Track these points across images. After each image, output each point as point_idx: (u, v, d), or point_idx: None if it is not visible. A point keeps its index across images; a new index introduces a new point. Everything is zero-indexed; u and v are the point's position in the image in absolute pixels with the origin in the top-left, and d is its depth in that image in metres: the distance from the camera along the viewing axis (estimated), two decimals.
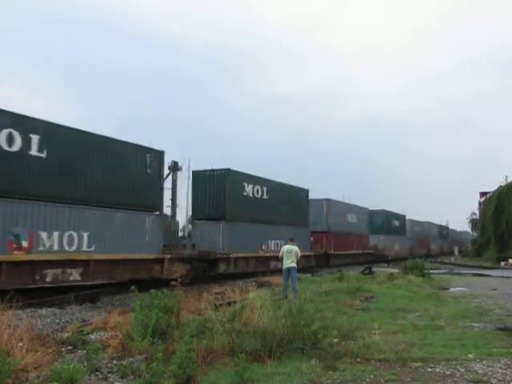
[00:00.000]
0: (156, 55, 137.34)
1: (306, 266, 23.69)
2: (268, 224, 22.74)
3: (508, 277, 22.12)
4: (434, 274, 21.87)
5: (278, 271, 16.01)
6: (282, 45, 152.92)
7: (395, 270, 22.22)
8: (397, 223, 48.56)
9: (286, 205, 24.82)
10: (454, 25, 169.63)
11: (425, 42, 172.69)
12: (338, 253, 32.24)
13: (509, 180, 47.15)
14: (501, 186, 47.85)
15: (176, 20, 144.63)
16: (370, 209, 42.01)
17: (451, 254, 65.10)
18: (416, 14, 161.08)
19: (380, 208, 45.07)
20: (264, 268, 21.29)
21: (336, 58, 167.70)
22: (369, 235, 40.43)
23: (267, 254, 22.34)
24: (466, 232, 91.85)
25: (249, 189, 21.89)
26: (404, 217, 51.86)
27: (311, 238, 28.88)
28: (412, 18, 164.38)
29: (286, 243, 14.02)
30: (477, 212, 68.70)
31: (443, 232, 73.40)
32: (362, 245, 37.32)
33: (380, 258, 38.91)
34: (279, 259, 13.65)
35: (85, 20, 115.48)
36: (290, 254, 13.10)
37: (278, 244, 22.74)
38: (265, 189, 23.05)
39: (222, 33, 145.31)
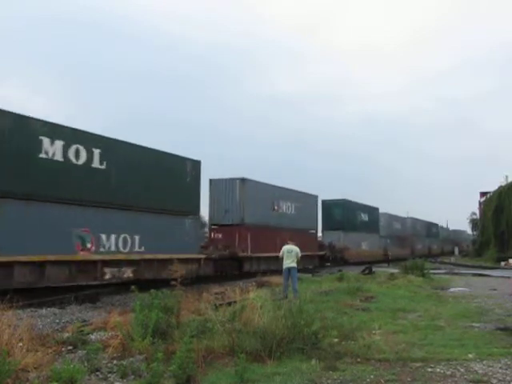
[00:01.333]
0: (156, 55, 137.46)
1: (192, 276, 15.68)
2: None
3: (508, 277, 22.09)
4: (434, 274, 21.87)
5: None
6: (282, 45, 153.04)
7: (395, 270, 22.22)
8: (365, 217, 39.42)
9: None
10: (453, 25, 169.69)
11: (425, 42, 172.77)
12: (259, 255, 22.43)
13: (509, 180, 47.22)
14: (501, 186, 47.86)
15: (176, 20, 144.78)
16: (327, 198, 34.87)
17: (442, 254, 61.81)
18: (416, 14, 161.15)
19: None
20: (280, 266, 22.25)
21: (336, 58, 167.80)
22: (321, 232, 33.65)
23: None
24: (461, 231, 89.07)
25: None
26: (376, 210, 42.96)
27: (211, 235, 22.40)
28: (412, 18, 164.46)
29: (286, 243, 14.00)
30: (477, 212, 68.70)
31: (432, 230, 65.02)
32: (306, 244, 25.06)
33: (338, 262, 32.64)
34: (279, 259, 13.66)
35: (85, 20, 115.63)
36: (290, 254, 13.12)
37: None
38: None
39: (221, 33, 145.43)
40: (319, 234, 33.08)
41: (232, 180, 22.20)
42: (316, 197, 30.74)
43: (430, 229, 63.73)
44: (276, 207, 24.80)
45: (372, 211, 41.72)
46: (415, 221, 56.00)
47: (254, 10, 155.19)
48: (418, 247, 53.78)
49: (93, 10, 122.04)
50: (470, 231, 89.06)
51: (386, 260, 37.98)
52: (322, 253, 30.78)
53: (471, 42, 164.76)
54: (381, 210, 44.55)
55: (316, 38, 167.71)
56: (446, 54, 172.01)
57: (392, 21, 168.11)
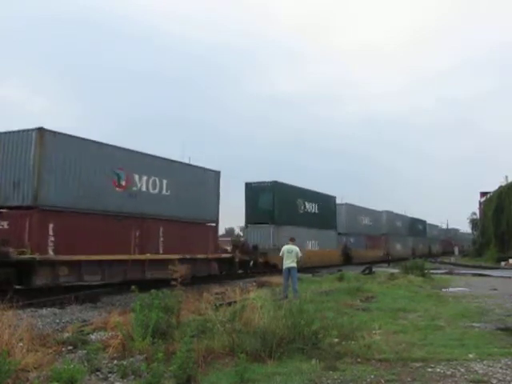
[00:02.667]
0: (155, 55, 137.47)
1: None
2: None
3: (508, 277, 22.11)
4: (435, 274, 21.87)
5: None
6: (282, 45, 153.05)
7: (396, 270, 22.22)
8: (313, 208, 29.65)
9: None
10: (453, 25, 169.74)
11: (425, 42, 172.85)
12: (67, 259, 13.08)
13: (509, 180, 47.19)
14: (501, 186, 47.85)
15: (176, 20, 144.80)
16: (253, 181, 26.32)
17: (429, 255, 53.41)
18: (416, 14, 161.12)
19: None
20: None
21: (336, 58, 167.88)
22: (245, 226, 26.39)
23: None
24: (455, 229, 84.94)
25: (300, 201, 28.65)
26: (332, 199, 33.28)
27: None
28: (412, 18, 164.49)
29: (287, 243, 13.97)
30: (477, 212, 68.61)
31: (417, 227, 55.98)
32: (193, 242, 18.13)
33: (265, 268, 23.52)
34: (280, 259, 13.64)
35: (84, 20, 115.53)
36: (290, 254, 13.12)
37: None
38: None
39: (221, 33, 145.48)
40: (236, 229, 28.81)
41: (24, 132, 13.17)
42: (217, 173, 20.33)
43: (415, 226, 54.73)
44: (125, 181, 15.31)
45: (325, 200, 31.55)
46: (393, 216, 46.91)
47: (254, 10, 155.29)
48: (395, 247, 45.35)
49: (92, 9, 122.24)
50: (467, 230, 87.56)
51: (347, 263, 32.57)
52: (226, 255, 20.62)
53: (471, 42, 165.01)
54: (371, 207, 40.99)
55: (316, 38, 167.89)
56: (446, 54, 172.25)
57: (392, 21, 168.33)
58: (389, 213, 45.74)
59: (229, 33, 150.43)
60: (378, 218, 43.22)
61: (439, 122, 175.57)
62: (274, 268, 21.87)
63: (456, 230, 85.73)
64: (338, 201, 34.90)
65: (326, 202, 32.03)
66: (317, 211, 30.32)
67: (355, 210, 38.46)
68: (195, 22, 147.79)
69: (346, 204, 36.84)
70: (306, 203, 29.35)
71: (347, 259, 34.17)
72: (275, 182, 26.15)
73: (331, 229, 32.41)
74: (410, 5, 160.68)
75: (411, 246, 51.19)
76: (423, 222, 60.16)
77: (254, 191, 25.89)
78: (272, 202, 25.58)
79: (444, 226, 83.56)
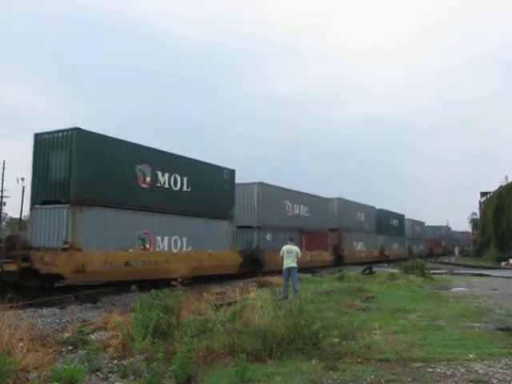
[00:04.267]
0: (155, 55, 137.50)
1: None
2: None
3: (508, 277, 22.10)
4: (435, 274, 21.87)
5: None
6: (283, 45, 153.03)
7: (396, 270, 22.22)
8: (174, 182, 16.95)
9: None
10: (455, 25, 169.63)
11: (426, 43, 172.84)
12: None
13: (509, 180, 47.18)
14: (501, 186, 47.86)
15: (177, 20, 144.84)
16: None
17: (412, 257, 35.57)
18: (417, 14, 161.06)
19: None
20: None
21: (336, 59, 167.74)
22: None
23: None
24: (446, 227, 74.34)
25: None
26: (227, 173, 20.53)
27: None
28: (413, 18, 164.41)
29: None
30: (477, 212, 68.59)
31: (390, 223, 44.25)
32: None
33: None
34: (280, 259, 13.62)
35: (84, 20, 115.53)
36: (290, 254, 13.11)
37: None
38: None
39: (223, 34, 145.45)
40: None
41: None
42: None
43: (386, 221, 42.29)
44: None
45: (209, 173, 19.24)
46: (350, 206, 34.29)
47: (255, 10, 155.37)
48: (353, 247, 34.97)
49: (93, 9, 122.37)
50: (464, 228, 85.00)
51: (244, 272, 20.32)
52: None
53: (472, 42, 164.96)
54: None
55: (316, 39, 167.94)
56: (447, 54, 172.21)
57: (393, 21, 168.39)
58: (341, 201, 33.26)
59: (229, 33, 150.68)
60: (325, 207, 30.43)
61: (440, 123, 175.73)
62: (71, 291, 12.91)
63: (447, 228, 74.83)
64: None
65: (209, 175, 19.22)
66: (187, 188, 17.77)
67: (277, 194, 24.48)
68: (196, 23, 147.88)
69: (261, 184, 23.07)
70: (159, 173, 16.32)
71: (256, 265, 21.68)
72: (78, 130, 13.63)
73: (220, 219, 19.51)
74: (411, 5, 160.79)
75: (379, 246, 40.54)
76: (399, 217, 47.25)
77: (44, 148, 14.17)
78: (69, 165, 13.58)
79: (440, 224, 73.57)
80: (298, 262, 13.26)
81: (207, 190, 18.79)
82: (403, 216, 48.95)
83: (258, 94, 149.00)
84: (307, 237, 26.93)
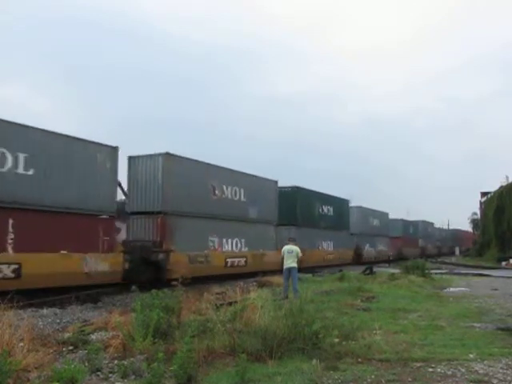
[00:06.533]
0: (156, 55, 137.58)
1: None
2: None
3: (509, 277, 22.09)
4: (435, 274, 21.87)
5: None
6: (283, 45, 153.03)
7: (396, 270, 22.22)
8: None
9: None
10: (455, 25, 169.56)
11: (426, 42, 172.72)
12: None
13: (510, 180, 47.18)
14: (502, 186, 47.84)
15: (177, 20, 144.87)
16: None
17: (358, 261, 33.38)
18: (417, 14, 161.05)
19: None
20: None
21: (336, 58, 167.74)
22: None
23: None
24: (424, 222, 56.85)
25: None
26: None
27: None
28: (413, 18, 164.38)
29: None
30: (478, 212, 68.51)
31: (320, 212, 29.24)
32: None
33: None
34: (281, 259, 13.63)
35: (84, 20, 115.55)
36: (290, 254, 13.12)
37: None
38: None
39: (222, 33, 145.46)
40: None
41: None
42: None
43: (313, 207, 28.70)
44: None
45: (261, 184, 21.51)
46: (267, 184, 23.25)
47: (255, 10, 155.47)
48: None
49: (93, 9, 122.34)
50: (464, 227, 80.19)
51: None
52: None
53: (473, 42, 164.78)
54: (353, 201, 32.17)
55: (316, 38, 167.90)
56: (447, 54, 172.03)
57: (393, 21, 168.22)
58: (264, 181, 23.13)
59: (229, 33, 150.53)
60: (273, 193, 23.53)
61: (440, 122, 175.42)
62: None
63: (426, 224, 57.63)
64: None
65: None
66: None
67: (195, 170, 17.88)
68: (196, 23, 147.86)
69: (168, 155, 16.62)
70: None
71: (155, 272, 15.69)
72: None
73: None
74: (411, 5, 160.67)
75: (333, 245, 30.42)
76: (341, 203, 32.65)
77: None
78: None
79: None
80: (298, 262, 13.26)
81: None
82: (347, 201, 33.95)
83: (258, 94, 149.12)
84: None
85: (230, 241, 19.62)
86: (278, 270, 20.14)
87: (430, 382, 5.23)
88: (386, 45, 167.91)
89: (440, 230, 68.33)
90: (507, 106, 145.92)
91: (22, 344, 5.82)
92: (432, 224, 61.30)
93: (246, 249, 20.57)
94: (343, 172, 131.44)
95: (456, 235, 76.14)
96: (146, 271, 15.47)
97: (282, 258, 13.32)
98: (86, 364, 5.57)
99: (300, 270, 13.92)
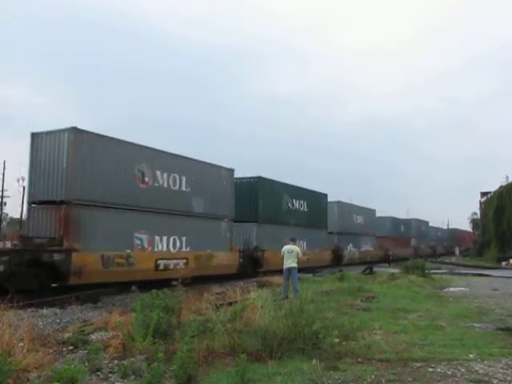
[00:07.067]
0: (156, 55, 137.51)
1: None
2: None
3: (509, 277, 22.09)
4: (435, 274, 21.86)
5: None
6: (283, 45, 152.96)
7: (396, 270, 22.22)
8: None
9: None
10: (456, 25, 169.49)
11: (426, 43, 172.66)
12: None
13: (510, 180, 47.22)
14: (502, 186, 47.85)
15: (177, 20, 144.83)
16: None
17: (337, 263, 30.66)
18: (418, 14, 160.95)
19: None
20: None
21: (337, 59, 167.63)
22: None
23: None
24: (418, 220, 53.36)
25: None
26: None
27: None
28: (413, 18, 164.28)
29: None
30: (478, 212, 68.44)
31: (288, 205, 25.41)
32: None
33: None
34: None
35: (85, 20, 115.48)
36: (290, 254, 13.12)
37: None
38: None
39: (222, 33, 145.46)
40: None
41: None
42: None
43: (314, 211, 27.79)
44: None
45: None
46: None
47: (255, 10, 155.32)
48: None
49: (92, 9, 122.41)
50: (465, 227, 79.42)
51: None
52: None
53: (473, 42, 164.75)
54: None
55: (317, 39, 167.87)
56: (448, 54, 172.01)
57: (393, 21, 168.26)
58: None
59: (229, 33, 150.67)
60: (219, 182, 19.58)
61: (440, 122, 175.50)
62: None
63: (420, 222, 54.06)
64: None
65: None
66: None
67: (115, 151, 14.80)
68: (196, 23, 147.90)
69: (76, 130, 13.57)
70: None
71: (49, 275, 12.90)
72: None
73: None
74: (411, 5, 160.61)
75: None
76: (317, 197, 28.88)
77: None
78: None
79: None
80: (298, 262, 13.27)
81: (207, 189, 18.68)
82: (323, 195, 30.05)
83: (258, 94, 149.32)
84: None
85: (164, 239, 16.17)
86: (233, 275, 18.54)
87: (430, 382, 5.22)
88: (386, 45, 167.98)
89: (435, 229, 64.68)
90: (507, 105, 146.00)
91: (21, 344, 5.82)
92: (426, 222, 57.83)
93: (188, 249, 17.14)
94: (343, 172, 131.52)
95: (454, 235, 74.80)
96: (35, 276, 12.07)
97: (282, 258, 13.32)
98: (86, 364, 5.56)
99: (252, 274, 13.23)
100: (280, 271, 20.23)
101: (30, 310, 10.54)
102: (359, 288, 14.02)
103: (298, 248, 13.45)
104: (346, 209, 34.73)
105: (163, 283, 10.93)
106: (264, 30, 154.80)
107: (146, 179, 15.64)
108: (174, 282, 7.96)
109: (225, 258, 19.03)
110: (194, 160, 18.02)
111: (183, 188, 17.05)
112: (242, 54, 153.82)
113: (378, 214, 42.58)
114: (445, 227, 75.64)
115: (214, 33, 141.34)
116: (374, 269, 23.60)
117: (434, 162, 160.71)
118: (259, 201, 22.73)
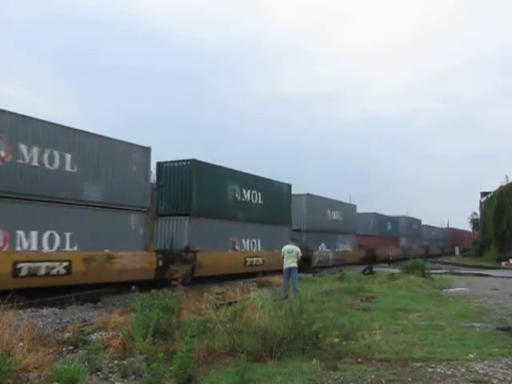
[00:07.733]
0: (156, 55, 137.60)
1: None
2: None
3: (509, 277, 22.09)
4: (435, 274, 21.86)
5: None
6: (284, 45, 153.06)
7: (396, 270, 22.21)
8: None
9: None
10: (456, 25, 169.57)
11: (427, 42, 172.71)
12: None
13: (510, 180, 47.15)
14: (502, 186, 47.81)
15: (181, 19, 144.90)
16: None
17: (311, 264, 26.23)
18: (418, 14, 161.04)
19: None
20: None
21: (337, 58, 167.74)
22: None
23: None
24: (408, 218, 48.92)
25: None
26: None
27: None
28: (414, 18, 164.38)
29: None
30: (478, 212, 68.42)
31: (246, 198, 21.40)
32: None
33: None
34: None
35: (85, 20, 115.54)
36: (290, 254, 13.12)
37: None
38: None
39: (223, 33, 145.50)
40: None
41: None
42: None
43: (274, 205, 23.58)
44: None
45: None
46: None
47: (256, 10, 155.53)
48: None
49: (93, 9, 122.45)
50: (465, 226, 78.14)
51: None
52: None
53: (474, 42, 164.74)
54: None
55: (318, 38, 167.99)
56: (448, 54, 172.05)
57: (394, 20, 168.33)
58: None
59: (230, 32, 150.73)
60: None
61: (440, 122, 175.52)
62: None
63: (411, 220, 50.10)
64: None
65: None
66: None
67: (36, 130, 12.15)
68: (196, 23, 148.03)
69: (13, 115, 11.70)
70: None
71: None
72: None
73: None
74: (411, 5, 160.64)
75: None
76: (276, 188, 24.50)
77: None
78: None
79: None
80: (298, 262, 13.27)
81: (108, 172, 14.28)
82: (286, 186, 25.39)
83: (259, 93, 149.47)
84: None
85: (33, 235, 12.03)
86: (150, 280, 14.23)
87: (429, 382, 5.22)
88: (386, 45, 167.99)
89: (430, 227, 59.39)
90: (507, 105, 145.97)
91: (21, 344, 5.82)
92: (418, 221, 52.81)
93: (75, 248, 12.98)
94: (343, 171, 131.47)
95: (453, 234, 72.82)
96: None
97: (282, 258, 13.33)
98: (86, 364, 5.56)
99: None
100: (221, 276, 18.13)
101: (29, 309, 10.53)
102: (359, 288, 14.02)
103: (298, 248, 13.45)
104: (318, 203, 29.29)
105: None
106: (264, 29, 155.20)
107: (2, 154, 11.45)
108: (174, 282, 7.96)
109: (135, 261, 14.50)
110: (87, 133, 13.81)
111: (67, 168, 12.88)
112: (244, 53, 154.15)
113: (379, 214, 40.31)
114: (444, 226, 74.48)
115: (216, 32, 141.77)
116: (374, 269, 23.62)
117: (434, 162, 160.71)
118: (193, 189, 17.90)
